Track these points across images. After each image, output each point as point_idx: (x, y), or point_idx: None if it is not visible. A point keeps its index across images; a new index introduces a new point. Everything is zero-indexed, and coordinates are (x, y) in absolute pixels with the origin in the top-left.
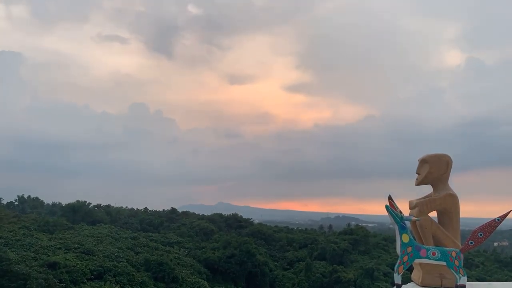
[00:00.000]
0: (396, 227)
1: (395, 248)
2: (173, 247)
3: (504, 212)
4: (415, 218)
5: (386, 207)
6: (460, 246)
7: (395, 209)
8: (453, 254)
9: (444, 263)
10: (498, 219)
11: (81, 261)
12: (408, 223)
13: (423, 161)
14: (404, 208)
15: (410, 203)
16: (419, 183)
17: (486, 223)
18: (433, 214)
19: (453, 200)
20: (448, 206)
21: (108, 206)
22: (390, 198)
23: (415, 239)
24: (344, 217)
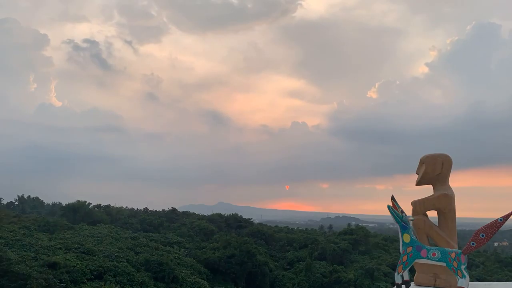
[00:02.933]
0: (398, 227)
1: (398, 248)
2: (173, 247)
3: (507, 213)
4: (411, 218)
5: (388, 207)
6: (455, 246)
7: (397, 209)
8: (453, 255)
9: (444, 264)
10: (501, 220)
11: (81, 261)
12: (411, 223)
13: (421, 162)
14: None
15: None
16: (418, 183)
17: (488, 224)
18: (433, 214)
19: (448, 200)
20: (442, 206)
21: (108, 206)
22: (392, 198)
23: (417, 239)
24: (344, 217)
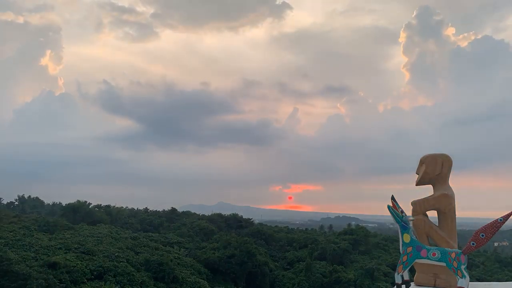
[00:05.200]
0: (398, 227)
1: (398, 248)
2: (173, 247)
3: (507, 213)
4: (411, 218)
5: (388, 207)
6: (455, 246)
7: (397, 209)
8: (453, 255)
9: (444, 264)
10: (501, 220)
11: (81, 261)
12: (411, 223)
13: (421, 162)
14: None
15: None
16: (417, 183)
17: (488, 224)
18: (434, 214)
19: (448, 200)
20: (442, 206)
21: (108, 206)
22: (392, 198)
23: (417, 239)
24: (344, 217)
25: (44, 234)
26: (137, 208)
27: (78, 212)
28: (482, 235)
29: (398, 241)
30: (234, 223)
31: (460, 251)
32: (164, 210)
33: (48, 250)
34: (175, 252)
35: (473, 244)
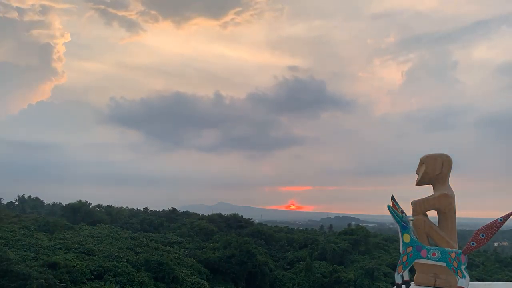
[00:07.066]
0: (398, 227)
1: (398, 248)
2: (173, 247)
3: (507, 213)
4: (411, 218)
5: (388, 207)
6: (455, 246)
7: (397, 209)
8: (453, 255)
9: (444, 264)
10: (501, 220)
11: (81, 261)
12: (411, 223)
13: (420, 162)
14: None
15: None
16: (417, 183)
17: (488, 224)
18: (434, 214)
19: (448, 200)
20: (442, 206)
21: (109, 206)
22: (392, 198)
23: (417, 239)
24: (344, 217)
25: (44, 234)
26: (137, 208)
27: (78, 212)
28: (482, 235)
29: (398, 241)
30: (234, 223)
31: (460, 251)
32: (164, 210)
33: (48, 250)
34: (175, 252)
35: (473, 244)
